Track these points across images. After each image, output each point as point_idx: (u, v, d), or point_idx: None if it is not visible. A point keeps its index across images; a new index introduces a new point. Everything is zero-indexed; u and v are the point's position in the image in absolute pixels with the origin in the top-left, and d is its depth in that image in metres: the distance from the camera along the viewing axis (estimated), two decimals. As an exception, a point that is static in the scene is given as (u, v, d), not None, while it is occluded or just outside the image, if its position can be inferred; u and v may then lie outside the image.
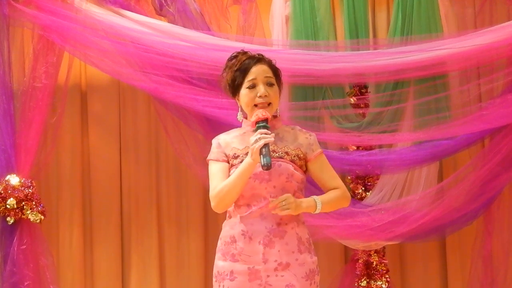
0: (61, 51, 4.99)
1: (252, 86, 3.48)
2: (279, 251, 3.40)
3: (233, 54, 3.58)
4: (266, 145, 3.31)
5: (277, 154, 3.46)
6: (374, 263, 4.93)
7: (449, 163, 5.11)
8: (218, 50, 4.77)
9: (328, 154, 4.86)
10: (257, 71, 3.49)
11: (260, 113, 3.40)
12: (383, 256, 4.96)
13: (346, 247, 5.09)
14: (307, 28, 4.98)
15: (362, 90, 4.99)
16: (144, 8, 5.03)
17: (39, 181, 5.04)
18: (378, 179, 4.97)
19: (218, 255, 3.51)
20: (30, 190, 4.88)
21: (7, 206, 4.84)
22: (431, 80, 4.88)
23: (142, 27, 4.90)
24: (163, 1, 4.97)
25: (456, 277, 5.11)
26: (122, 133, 5.31)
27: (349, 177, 5.02)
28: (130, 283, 5.25)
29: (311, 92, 4.96)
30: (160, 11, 5.00)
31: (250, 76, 3.48)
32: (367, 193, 4.97)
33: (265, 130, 3.35)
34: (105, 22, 4.90)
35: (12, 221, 4.84)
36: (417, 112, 4.90)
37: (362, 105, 4.97)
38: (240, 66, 3.50)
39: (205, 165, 4.92)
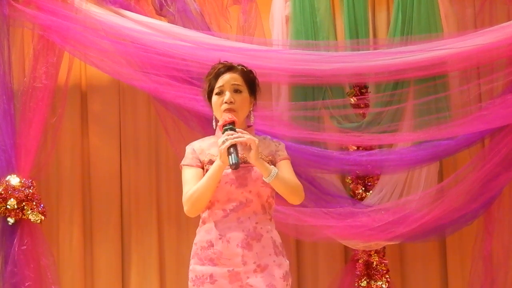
0: (61, 51, 4.99)
1: (220, 93, 3.58)
2: (257, 253, 3.48)
3: (213, 65, 3.69)
4: (233, 145, 3.38)
5: None
6: (374, 263, 4.94)
7: (449, 163, 5.11)
8: (218, 50, 4.76)
9: (328, 154, 4.92)
10: (226, 78, 3.59)
11: (226, 117, 3.48)
12: (383, 256, 4.96)
13: (346, 247, 5.09)
14: (307, 28, 4.98)
15: (362, 90, 4.99)
16: (144, 8, 5.03)
17: (39, 181, 5.04)
18: (378, 179, 4.98)
19: (194, 260, 3.57)
20: (30, 190, 4.87)
21: (8, 206, 4.83)
22: (431, 80, 4.88)
23: (142, 27, 4.90)
24: (163, 1, 4.97)
25: (456, 277, 5.11)
26: (122, 133, 5.31)
27: (349, 177, 5.02)
28: (130, 283, 5.25)
29: (311, 92, 4.96)
30: (160, 11, 5.00)
31: (219, 83, 3.59)
32: (367, 193, 4.98)
33: (231, 132, 3.41)
34: (105, 22, 4.89)
35: (12, 221, 4.84)
36: (417, 112, 4.90)
37: (362, 105, 4.97)
38: (213, 73, 3.63)
39: (205, 165, 4.99)
